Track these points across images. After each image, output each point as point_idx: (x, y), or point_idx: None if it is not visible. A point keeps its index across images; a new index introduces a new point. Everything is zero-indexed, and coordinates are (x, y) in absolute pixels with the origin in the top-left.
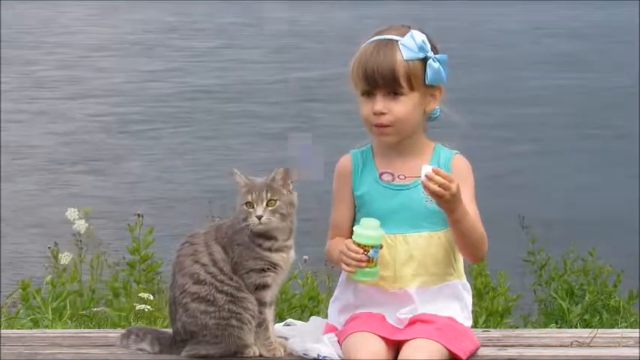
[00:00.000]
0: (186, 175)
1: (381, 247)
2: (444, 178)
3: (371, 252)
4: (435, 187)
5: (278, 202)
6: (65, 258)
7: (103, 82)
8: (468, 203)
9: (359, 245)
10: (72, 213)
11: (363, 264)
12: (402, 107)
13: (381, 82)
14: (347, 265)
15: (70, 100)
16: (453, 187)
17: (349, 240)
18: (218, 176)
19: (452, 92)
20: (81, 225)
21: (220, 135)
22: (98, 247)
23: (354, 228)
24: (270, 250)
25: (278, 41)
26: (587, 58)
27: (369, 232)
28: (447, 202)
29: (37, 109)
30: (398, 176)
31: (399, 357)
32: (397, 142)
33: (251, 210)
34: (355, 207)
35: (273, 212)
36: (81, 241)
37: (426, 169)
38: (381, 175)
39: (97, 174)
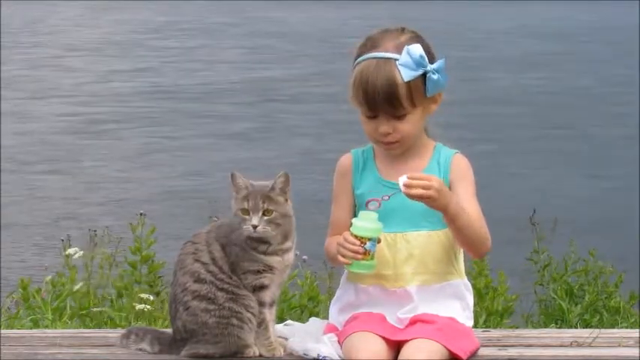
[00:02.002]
0: (149, 175)
1: (378, 241)
2: (421, 179)
3: (368, 244)
4: (418, 191)
5: (274, 213)
6: (75, 252)
7: (70, 82)
8: (469, 200)
9: (356, 237)
10: (75, 251)
11: (360, 256)
12: (407, 125)
13: (383, 107)
14: (343, 256)
15: (35, 99)
16: (434, 183)
17: (347, 232)
18: (179, 176)
19: None
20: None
21: (184, 135)
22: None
23: (353, 220)
24: (264, 253)
25: (257, 41)
26: (559, 58)
27: (367, 224)
28: (435, 200)
29: (2, 109)
30: (382, 197)
31: (399, 357)
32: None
33: (247, 217)
34: (355, 206)
35: (269, 222)
36: (96, 243)
37: (403, 179)
38: (367, 204)
39: (60, 174)
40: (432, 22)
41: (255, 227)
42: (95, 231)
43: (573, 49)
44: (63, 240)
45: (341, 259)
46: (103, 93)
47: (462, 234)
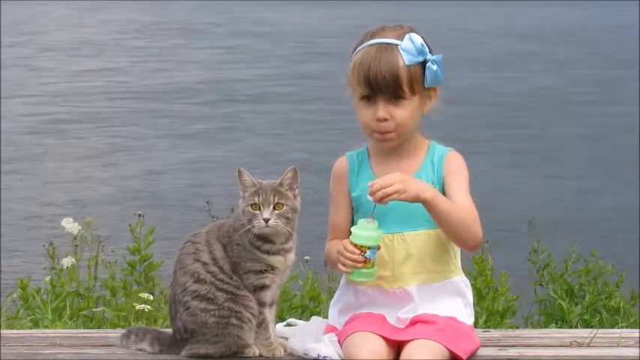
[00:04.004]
0: (109, 175)
1: (378, 248)
2: (378, 182)
3: (368, 253)
4: (382, 192)
5: (285, 207)
6: (68, 261)
7: (36, 82)
8: (460, 194)
9: (356, 246)
10: (67, 222)
11: (360, 264)
12: (404, 112)
13: (384, 88)
14: (343, 265)
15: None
16: (393, 177)
17: (346, 240)
18: (139, 176)
19: None
20: (73, 228)
21: (146, 135)
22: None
23: (352, 229)
24: (268, 252)
25: (234, 41)
26: (530, 58)
27: (366, 232)
28: (405, 190)
29: None
30: (368, 219)
31: (401, 357)
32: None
33: (257, 212)
34: (353, 208)
35: (280, 216)
36: (77, 245)
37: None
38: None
39: (18, 173)
40: (415, 22)
41: (267, 220)
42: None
43: (547, 49)
44: (44, 245)
45: (342, 267)
46: (68, 93)
47: (445, 221)
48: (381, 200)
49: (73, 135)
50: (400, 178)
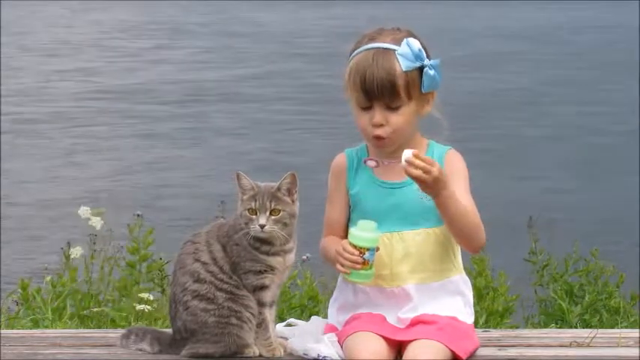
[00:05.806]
0: (76, 175)
1: (377, 249)
2: (424, 161)
3: (367, 254)
4: (417, 172)
5: (282, 213)
6: (76, 252)
7: (8, 82)
8: (463, 195)
9: (355, 247)
10: (84, 211)
11: (358, 266)
12: (400, 118)
13: (380, 95)
14: (342, 265)
15: None
16: (434, 170)
17: (345, 241)
18: (106, 177)
19: None
20: (96, 221)
21: (114, 135)
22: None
23: (351, 229)
24: (267, 253)
25: (217, 41)
26: (510, 58)
27: (366, 234)
28: (429, 186)
29: None
30: (382, 162)
31: (404, 357)
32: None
33: (254, 217)
34: (350, 206)
35: (276, 222)
36: (95, 240)
37: (407, 154)
38: (365, 161)
39: None
40: (402, 23)
41: (262, 227)
42: (95, 235)
43: (524, 49)
44: (62, 248)
45: (340, 268)
46: (38, 93)
47: (453, 224)
48: (409, 174)
49: (41, 135)
50: (437, 174)
